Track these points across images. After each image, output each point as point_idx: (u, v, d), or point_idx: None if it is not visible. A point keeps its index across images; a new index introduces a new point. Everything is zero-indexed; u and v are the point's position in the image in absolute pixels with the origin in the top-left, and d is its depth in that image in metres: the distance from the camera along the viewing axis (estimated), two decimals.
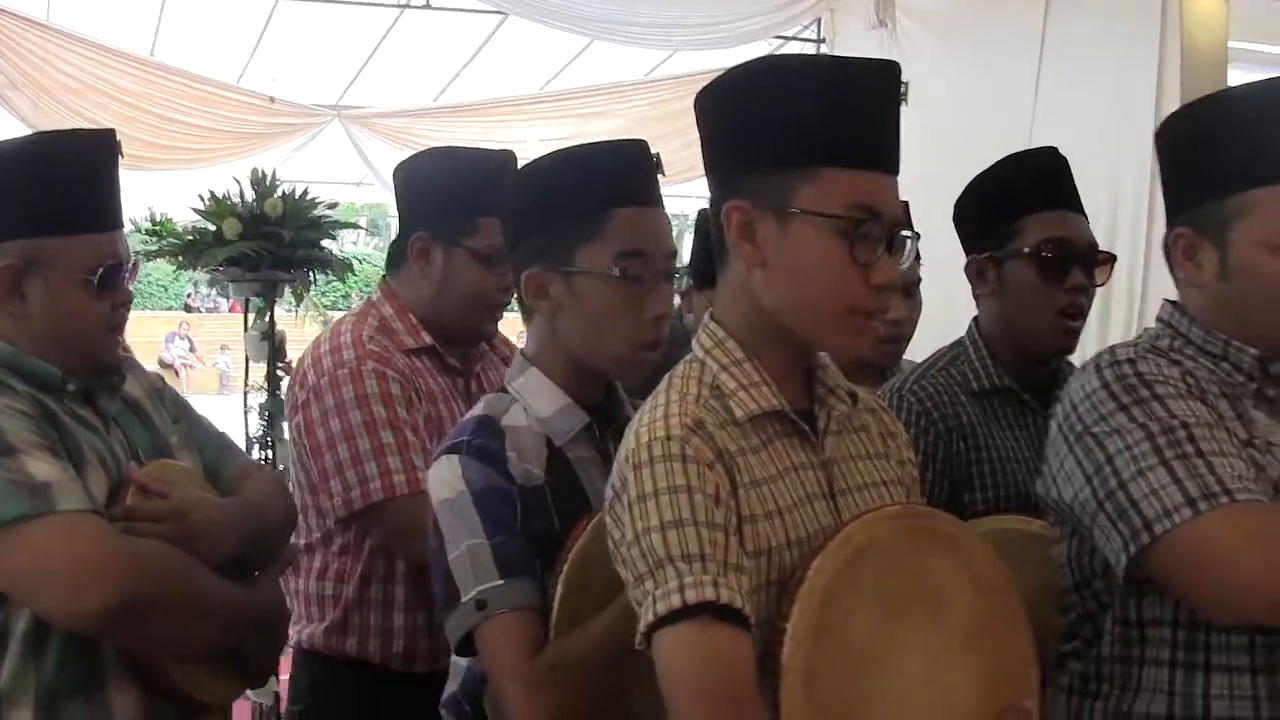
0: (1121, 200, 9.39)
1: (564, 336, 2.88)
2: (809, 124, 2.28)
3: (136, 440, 3.17)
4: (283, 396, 7.40)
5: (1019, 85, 10.14)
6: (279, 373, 7.67)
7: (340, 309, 37.62)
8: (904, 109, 7.51)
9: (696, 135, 2.44)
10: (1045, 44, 10.06)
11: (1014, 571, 2.53)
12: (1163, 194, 2.91)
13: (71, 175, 3.03)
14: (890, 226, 2.32)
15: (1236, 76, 12.51)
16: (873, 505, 2.44)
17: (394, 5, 12.02)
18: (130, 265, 3.14)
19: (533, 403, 2.87)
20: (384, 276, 4.04)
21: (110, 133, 3.20)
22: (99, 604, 2.71)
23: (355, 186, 16.33)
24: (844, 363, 3.85)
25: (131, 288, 3.20)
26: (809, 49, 12.91)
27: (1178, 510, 2.43)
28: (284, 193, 7.45)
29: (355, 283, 40.97)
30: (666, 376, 2.44)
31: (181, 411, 3.43)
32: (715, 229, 2.43)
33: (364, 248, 43.62)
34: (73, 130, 3.40)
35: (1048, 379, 3.56)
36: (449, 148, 4.25)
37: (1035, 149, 3.71)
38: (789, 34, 12.78)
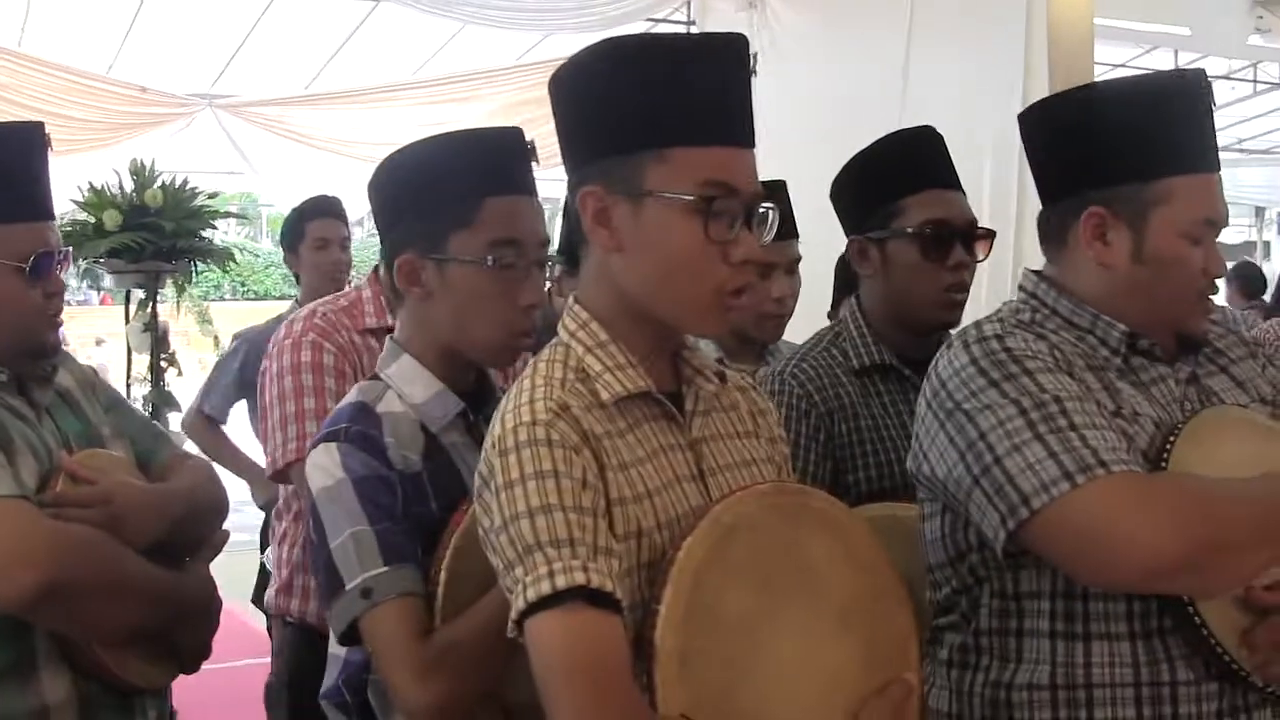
0: (991, 175, 9.52)
1: (436, 324, 2.90)
2: (653, 104, 2.29)
3: (68, 430, 3.21)
4: (167, 388, 7.40)
5: (889, 63, 10.23)
6: (162, 364, 7.64)
7: (213, 299, 37.30)
8: (777, 88, 7.72)
9: None
10: (913, 21, 10.17)
11: (905, 555, 2.62)
12: (1051, 169, 2.95)
13: (1, 165, 3.06)
14: (749, 200, 2.34)
15: (1102, 52, 12.75)
16: (742, 484, 2.44)
17: None
18: (62, 255, 3.18)
19: (406, 389, 2.88)
20: (376, 266, 4.07)
21: (39, 125, 3.24)
22: (26, 586, 2.76)
23: (228, 175, 16.21)
24: (724, 338, 3.93)
25: (63, 276, 3.24)
26: (679, 30, 13.00)
27: (1055, 484, 2.48)
28: (164, 183, 7.41)
29: (231, 273, 40.58)
30: (532, 362, 2.45)
31: (114, 402, 3.48)
32: (573, 214, 2.44)
33: (234, 237, 43.21)
34: (1, 121, 3.43)
35: (930, 353, 3.58)
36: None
37: (912, 128, 3.77)
38: (659, 16, 12.84)
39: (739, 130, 2.35)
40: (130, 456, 3.35)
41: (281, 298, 34.87)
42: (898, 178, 3.58)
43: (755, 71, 2.45)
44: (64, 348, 3.41)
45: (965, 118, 9.56)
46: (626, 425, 2.35)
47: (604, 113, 2.34)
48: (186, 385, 8.05)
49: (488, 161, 2.85)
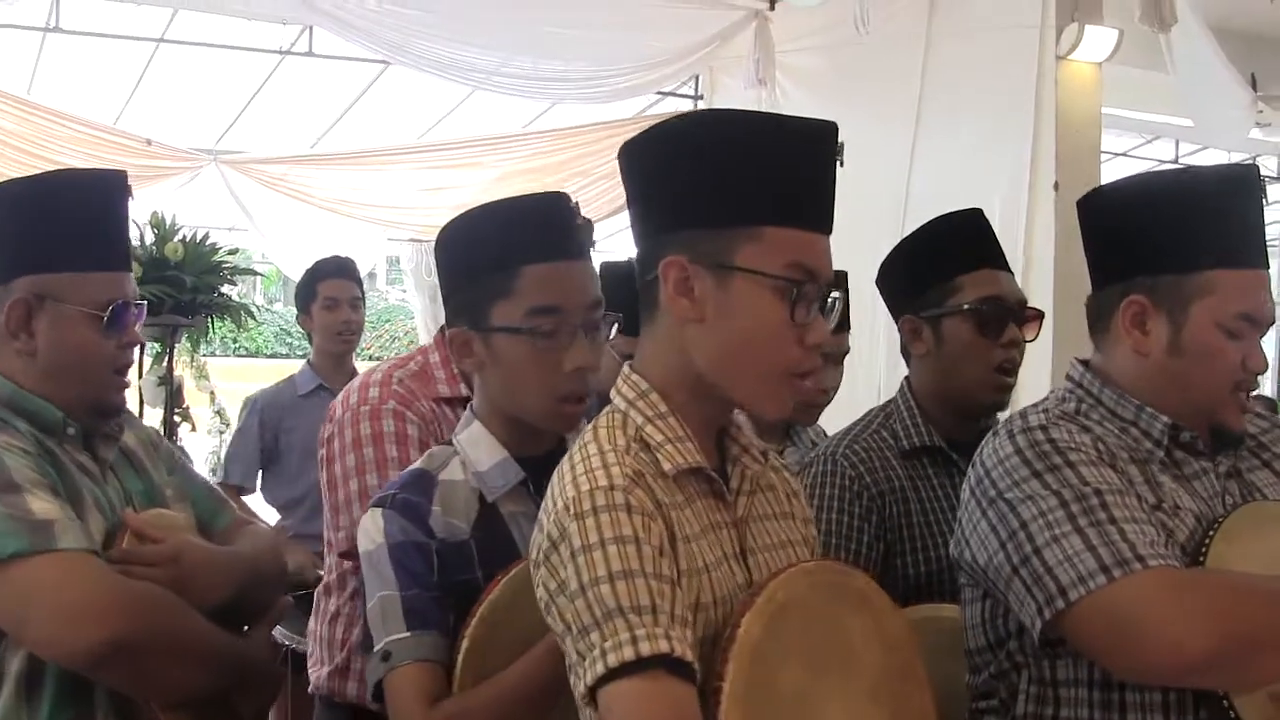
0: None
1: (493, 393, 2.94)
2: (753, 182, 2.29)
3: (132, 489, 3.20)
4: (180, 442, 7.38)
5: (897, 145, 10.34)
6: (175, 419, 7.62)
7: (204, 355, 37.12)
8: None
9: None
10: (922, 106, 10.27)
11: (948, 655, 2.67)
12: (1099, 256, 2.96)
13: (84, 213, 3.06)
14: (826, 286, 2.36)
15: (1108, 141, 12.83)
16: (781, 564, 2.45)
17: (275, 52, 12.01)
18: (138, 307, 3.16)
19: (472, 456, 2.91)
20: (442, 327, 4.05)
21: (122, 174, 3.23)
22: (92, 641, 2.74)
23: (227, 232, 16.21)
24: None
25: (139, 330, 3.21)
26: (686, 105, 13.06)
27: (1092, 577, 2.49)
28: (184, 237, 7.41)
29: (220, 329, 40.40)
30: (590, 427, 2.44)
31: (176, 464, 3.46)
32: (644, 282, 2.43)
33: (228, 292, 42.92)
34: (87, 169, 3.42)
35: (976, 438, 3.57)
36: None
37: (962, 210, 3.82)
38: (668, 90, 12.90)
39: (826, 218, 2.38)
40: (192, 518, 3.35)
41: (273, 355, 34.85)
42: (953, 257, 3.63)
43: (841, 161, 2.46)
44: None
45: (970, 201, 9.58)
46: (684, 499, 2.35)
47: (699, 185, 2.34)
48: (192, 441, 8.03)
49: (524, 229, 2.87)
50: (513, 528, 2.88)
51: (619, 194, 12.86)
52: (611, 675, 2.09)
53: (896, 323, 3.72)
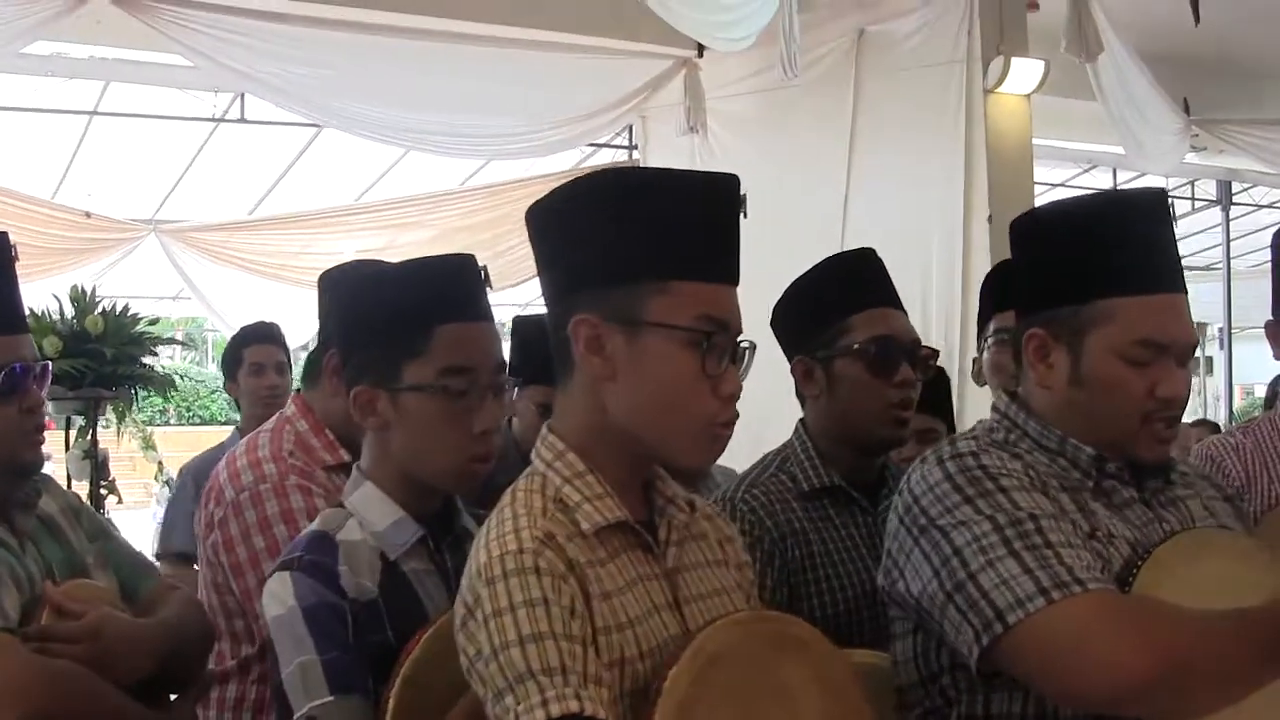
0: (934, 292, 9.63)
1: (394, 452, 2.88)
2: (659, 238, 2.30)
3: (52, 558, 3.13)
4: (107, 515, 7.35)
5: (830, 185, 10.43)
6: (102, 491, 7.58)
7: (158, 424, 36.99)
8: None
9: (511, 244, 2.46)
10: (854, 145, 10.37)
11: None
12: (1015, 289, 2.97)
13: None
14: (734, 337, 2.37)
15: (1041, 172, 12.92)
16: (718, 613, 2.43)
17: (209, 120, 12.02)
18: (39, 369, 3.09)
19: (367, 517, 2.86)
20: (297, 389, 4.00)
21: (4, 236, 3.15)
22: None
23: (173, 300, 16.16)
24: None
25: (43, 393, 3.14)
26: (621, 156, 13.12)
27: (1031, 600, 2.45)
28: (104, 309, 7.39)
29: (175, 398, 40.30)
30: (509, 491, 2.42)
31: (98, 530, 3.38)
32: (557, 341, 2.42)
33: (179, 362, 42.88)
34: None
35: (875, 476, 3.62)
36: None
37: (852, 250, 3.79)
38: (600, 141, 12.94)
39: (731, 268, 2.38)
40: (115, 586, 3.27)
41: (226, 422, 34.73)
42: (842, 297, 3.59)
43: (745, 213, 2.48)
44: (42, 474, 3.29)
45: (906, 238, 9.71)
46: (606, 555, 2.33)
47: (606, 243, 2.34)
48: (131, 514, 7.96)
49: (439, 289, 2.85)
50: (417, 586, 2.85)
51: None
52: None
53: (790, 364, 3.69)
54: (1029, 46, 9.78)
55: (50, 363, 3.23)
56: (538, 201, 2.46)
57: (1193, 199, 18.44)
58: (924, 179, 9.83)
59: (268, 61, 9.84)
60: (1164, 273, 2.74)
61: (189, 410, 36.15)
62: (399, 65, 10.52)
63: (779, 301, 3.74)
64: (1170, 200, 2.83)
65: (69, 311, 7.37)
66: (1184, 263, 2.81)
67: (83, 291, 7.45)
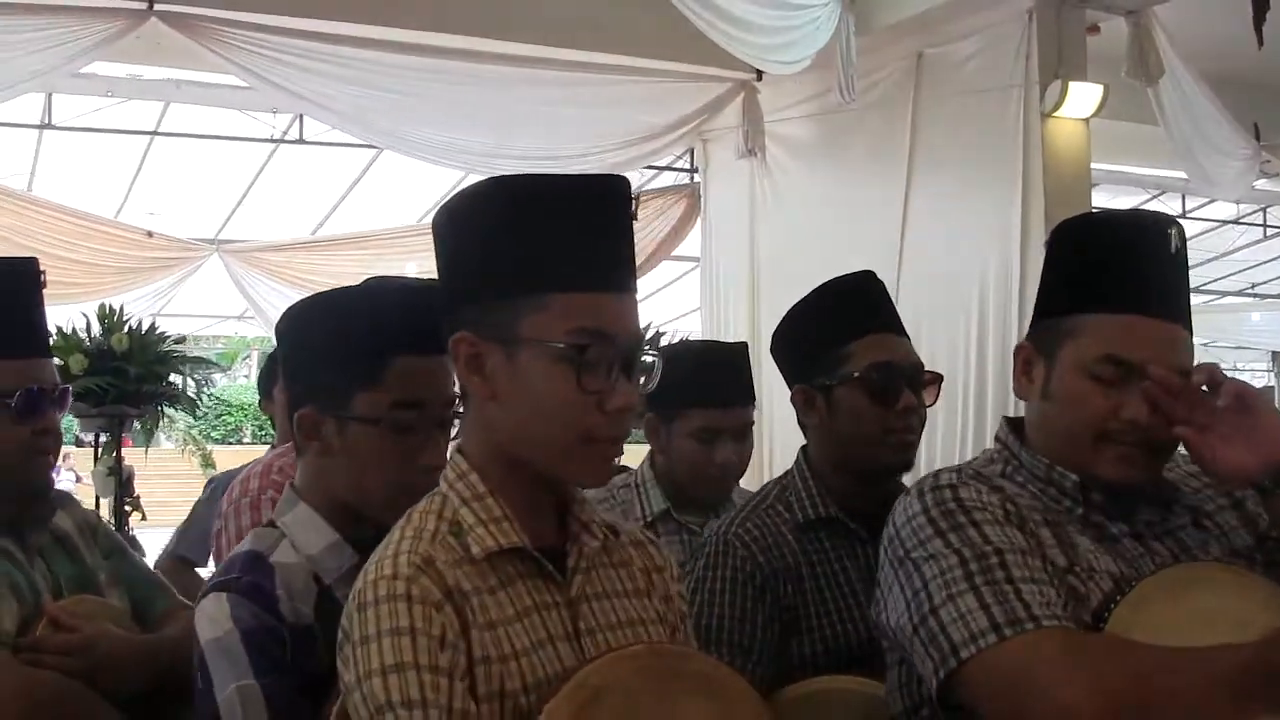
0: (988, 320, 9.57)
1: (334, 478, 2.82)
2: (526, 249, 2.22)
3: (61, 574, 3.15)
4: (132, 532, 7.40)
5: (887, 208, 10.39)
6: (126, 508, 7.62)
7: (231, 443, 37.17)
8: (776, 234, 7.76)
9: None
10: (911, 168, 10.30)
11: None
12: None
13: None
14: (627, 349, 2.26)
15: (1104, 199, 12.82)
16: (616, 645, 2.33)
17: (268, 141, 12.09)
18: (58, 393, 3.11)
19: (301, 539, 2.79)
20: None
21: (33, 261, 3.19)
22: None
23: (238, 320, 16.28)
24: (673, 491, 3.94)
25: (60, 416, 3.16)
26: (683, 179, 13.12)
27: (984, 635, 2.42)
28: (130, 328, 7.45)
29: (246, 417, 40.40)
30: (408, 511, 2.37)
31: (114, 548, 3.39)
32: (453, 361, 2.36)
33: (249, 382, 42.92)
34: None
35: (879, 505, 3.34)
36: None
37: (853, 274, 3.68)
38: (663, 164, 12.94)
39: (616, 275, 2.29)
40: (126, 605, 3.28)
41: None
42: (841, 323, 3.52)
43: (635, 216, 2.39)
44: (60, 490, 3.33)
45: (962, 262, 9.67)
46: (498, 582, 2.25)
47: (477, 257, 2.28)
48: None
49: (397, 319, 2.77)
50: None
51: None
52: None
53: (791, 392, 3.65)
54: (1088, 70, 9.69)
55: (70, 387, 3.25)
56: (435, 212, 2.39)
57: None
58: (981, 203, 9.76)
59: (324, 83, 9.88)
60: (1147, 296, 2.67)
61: (262, 430, 36.28)
62: (457, 88, 10.56)
63: (778, 328, 3.68)
64: (1176, 230, 2.74)
65: (96, 330, 7.43)
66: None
67: (110, 310, 7.51)
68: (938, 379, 3.53)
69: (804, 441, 3.65)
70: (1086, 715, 2.31)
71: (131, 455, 8.16)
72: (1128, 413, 2.63)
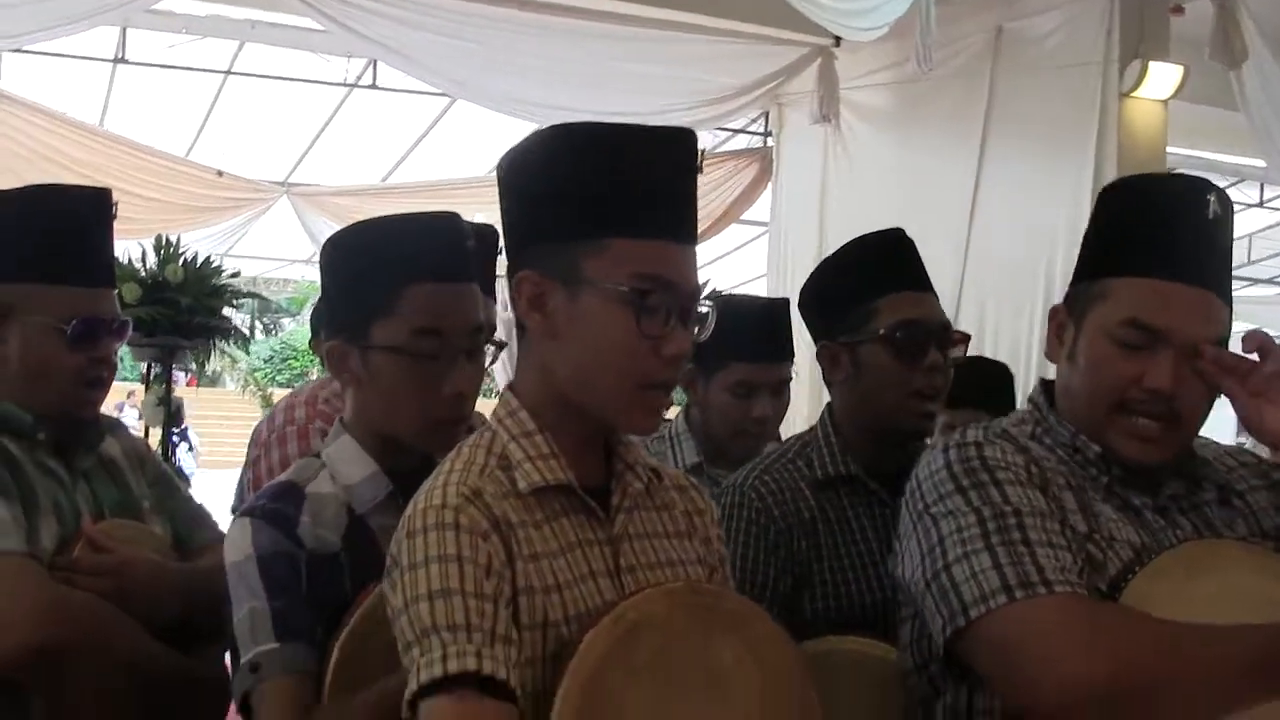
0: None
1: (368, 409, 2.86)
2: (596, 194, 2.26)
3: (105, 498, 3.17)
4: (179, 463, 7.42)
5: (960, 181, 10.30)
6: (174, 439, 7.67)
7: (293, 386, 37.36)
8: (847, 201, 7.72)
9: None
10: (985, 142, 10.21)
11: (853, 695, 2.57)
12: None
13: (61, 227, 3.07)
14: (685, 297, 2.30)
15: None
16: (654, 582, 2.38)
17: (341, 85, 12.10)
18: (117, 325, 3.14)
19: (340, 470, 2.83)
20: None
21: (106, 192, 3.22)
22: (14, 643, 2.72)
23: (307, 264, 16.31)
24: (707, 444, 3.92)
25: (117, 348, 3.20)
26: (756, 143, 13.08)
27: (994, 595, 2.39)
28: (186, 260, 7.51)
29: (312, 362, 40.57)
30: (459, 445, 2.42)
31: (160, 478, 3.41)
32: (510, 298, 2.40)
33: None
34: (70, 185, 3.39)
35: (901, 467, 3.31)
36: None
37: (881, 231, 3.63)
38: (736, 127, 12.90)
39: (679, 226, 2.33)
40: (167, 534, 3.30)
41: None
42: (869, 280, 3.46)
43: (701, 169, 2.39)
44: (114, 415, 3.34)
45: (1032, 238, 9.60)
46: (544, 516, 2.31)
47: (547, 198, 2.31)
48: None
49: (414, 247, 2.80)
50: (383, 541, 2.71)
51: None
52: (423, 692, 2.09)
53: (816, 349, 3.59)
54: (1169, 51, 9.56)
55: (129, 320, 3.28)
56: (501, 157, 2.42)
57: None
58: (1054, 179, 9.65)
59: (399, 29, 9.89)
60: (1178, 261, 2.59)
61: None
62: (532, 40, 10.54)
63: (805, 284, 3.65)
64: (1216, 195, 2.65)
65: (152, 260, 7.47)
66: None
67: (167, 241, 7.56)
68: (965, 338, 3.48)
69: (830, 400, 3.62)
70: (1090, 682, 2.29)
71: (198, 396, 8.22)
72: (1151, 381, 2.56)
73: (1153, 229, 2.61)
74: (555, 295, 2.28)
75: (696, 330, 2.36)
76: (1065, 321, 2.71)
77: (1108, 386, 2.60)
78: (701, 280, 2.37)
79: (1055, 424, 2.71)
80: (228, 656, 2.87)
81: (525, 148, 2.36)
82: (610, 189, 2.25)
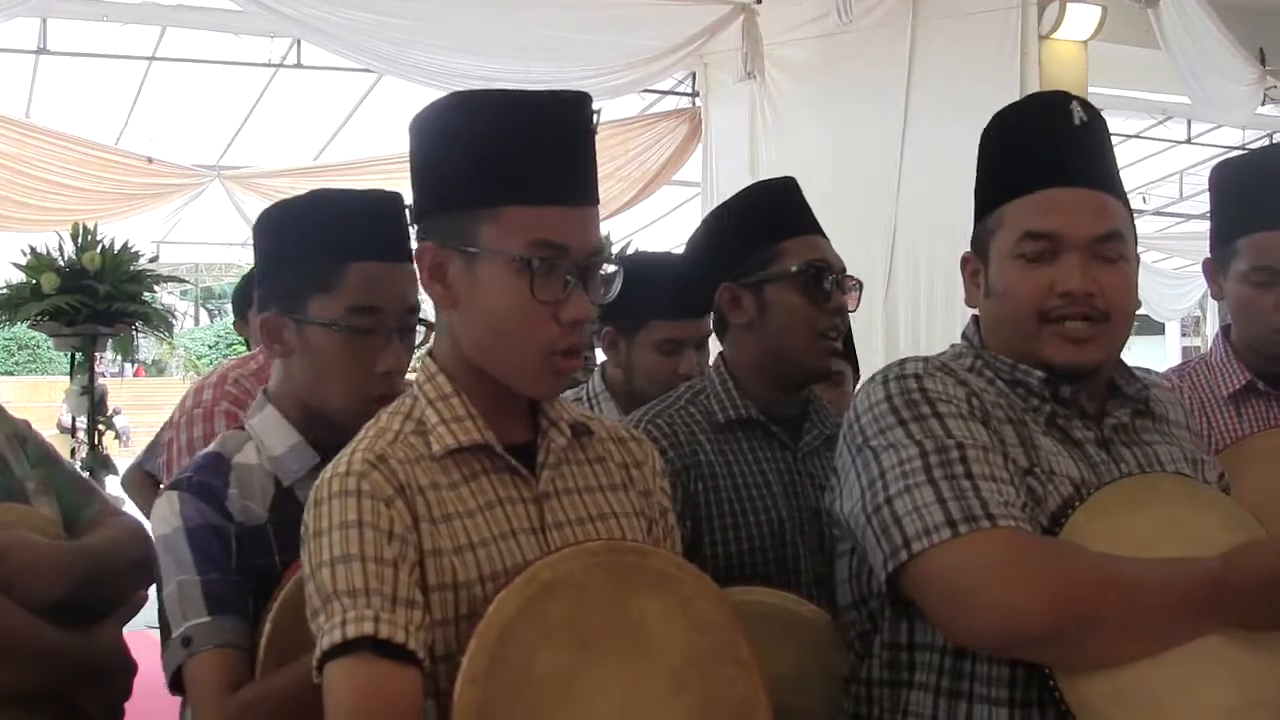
0: None
1: (296, 381, 2.87)
2: (486, 161, 2.25)
3: None
4: (105, 451, 7.40)
5: (886, 131, 10.36)
6: (100, 427, 7.67)
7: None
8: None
9: None
10: (910, 90, 10.28)
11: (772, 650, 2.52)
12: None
13: None
14: (584, 260, 2.31)
15: (1118, 124, 12.73)
16: (588, 538, 2.38)
17: (266, 65, 12.06)
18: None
19: (266, 441, 2.85)
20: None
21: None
22: None
23: (243, 248, 16.24)
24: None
25: None
26: (684, 103, 13.09)
27: (937, 530, 2.38)
28: (103, 246, 7.49)
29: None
30: (378, 413, 2.44)
31: (43, 456, 3.35)
32: (418, 270, 2.42)
33: None
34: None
35: (797, 411, 3.50)
36: None
37: (777, 178, 3.67)
38: (664, 88, 12.91)
39: (575, 189, 2.33)
40: (57, 513, 3.23)
41: None
42: (773, 222, 3.47)
43: (596, 129, 2.41)
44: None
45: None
46: (461, 477, 2.31)
47: (442, 167, 2.31)
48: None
49: (356, 225, 2.81)
50: None
51: (622, 191, 12.68)
52: (326, 657, 2.11)
53: (711, 294, 3.58)
54: None
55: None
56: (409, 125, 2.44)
57: None
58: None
59: (319, 6, 9.83)
60: (1054, 168, 2.61)
61: None
62: (455, 11, 10.55)
63: (697, 230, 3.68)
64: (1078, 103, 2.66)
65: (69, 248, 7.45)
66: None
67: (83, 229, 7.51)
68: (859, 285, 3.49)
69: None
70: (1034, 618, 2.29)
71: (142, 385, 8.21)
72: (1061, 284, 2.57)
73: (1026, 147, 2.64)
74: (454, 265, 2.31)
75: (603, 292, 2.38)
76: (976, 266, 2.73)
77: (1025, 302, 2.61)
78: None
79: (992, 358, 2.71)
80: (158, 634, 2.84)
81: (419, 118, 2.38)
82: (499, 156, 2.26)
